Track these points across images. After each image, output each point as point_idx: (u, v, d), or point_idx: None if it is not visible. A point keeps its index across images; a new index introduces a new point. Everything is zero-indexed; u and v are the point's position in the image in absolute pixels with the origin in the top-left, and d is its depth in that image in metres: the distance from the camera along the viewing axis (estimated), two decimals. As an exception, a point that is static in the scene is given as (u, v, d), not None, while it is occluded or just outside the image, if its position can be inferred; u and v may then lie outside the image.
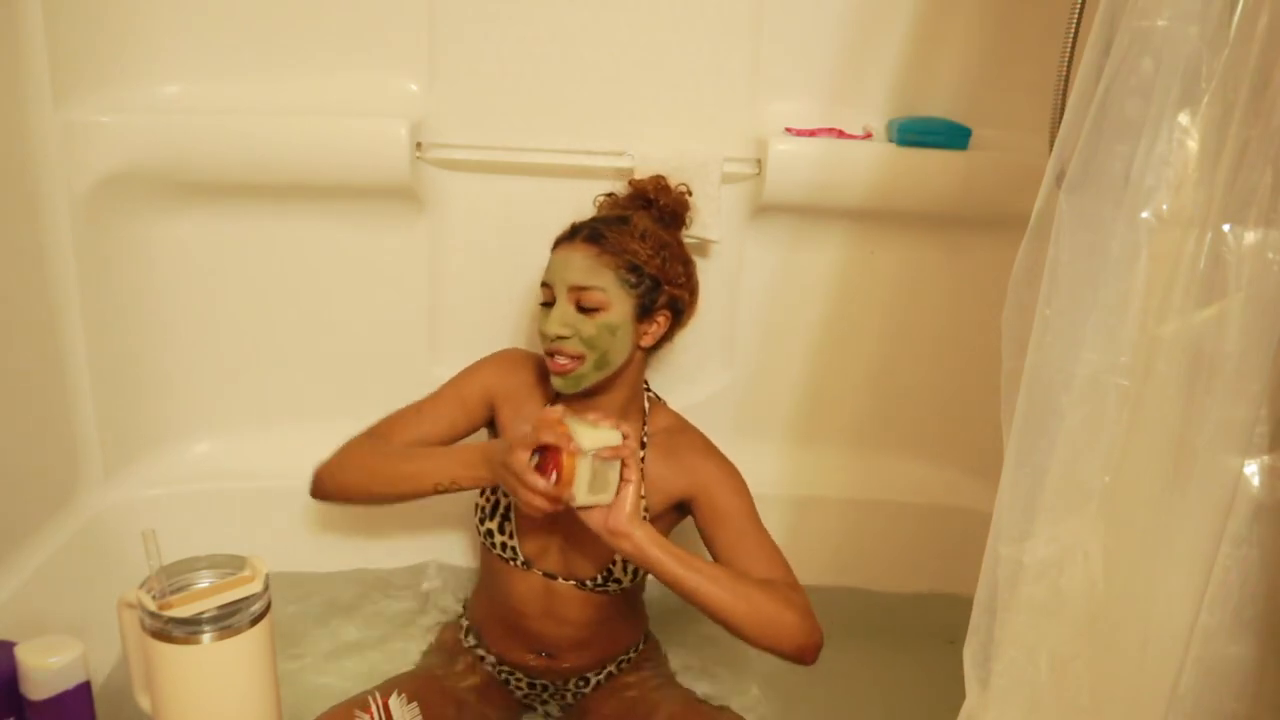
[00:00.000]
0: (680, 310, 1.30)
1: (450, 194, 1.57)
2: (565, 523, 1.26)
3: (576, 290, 1.20)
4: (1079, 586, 0.81)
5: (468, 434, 1.35)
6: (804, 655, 1.13)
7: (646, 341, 1.27)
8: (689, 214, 1.44)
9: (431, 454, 1.23)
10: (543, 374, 1.33)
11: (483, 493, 1.30)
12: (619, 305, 1.21)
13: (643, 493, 1.22)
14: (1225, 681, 0.75)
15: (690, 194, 1.45)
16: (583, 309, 1.20)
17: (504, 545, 1.27)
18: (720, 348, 1.66)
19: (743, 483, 1.25)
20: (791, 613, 1.11)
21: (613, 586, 1.27)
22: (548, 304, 1.24)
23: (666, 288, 1.26)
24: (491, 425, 1.37)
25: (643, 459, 1.25)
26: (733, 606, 1.08)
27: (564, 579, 1.28)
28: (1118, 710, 0.81)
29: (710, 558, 1.22)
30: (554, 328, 1.20)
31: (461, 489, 1.19)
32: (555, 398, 1.30)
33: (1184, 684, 0.75)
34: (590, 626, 1.30)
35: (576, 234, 1.25)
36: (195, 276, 1.58)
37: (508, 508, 1.27)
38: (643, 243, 1.24)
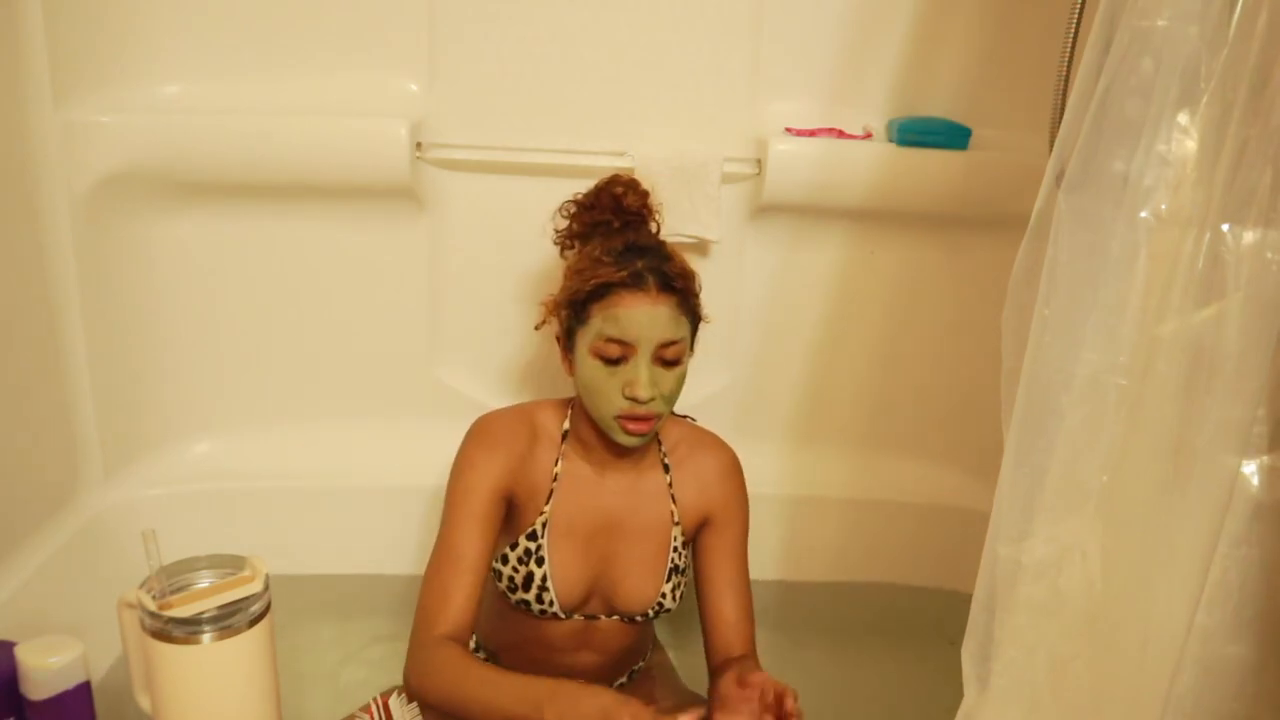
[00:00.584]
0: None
1: (450, 194, 1.57)
2: (607, 570, 1.22)
3: (664, 346, 1.09)
4: (1078, 586, 0.82)
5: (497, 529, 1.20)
6: None
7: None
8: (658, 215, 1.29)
9: (524, 692, 1.01)
10: (530, 428, 1.21)
11: (507, 561, 1.18)
12: (687, 351, 1.14)
13: (676, 517, 1.22)
14: (1224, 681, 0.75)
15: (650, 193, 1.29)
16: (664, 365, 1.11)
17: (542, 612, 1.19)
18: (720, 348, 1.66)
19: (748, 512, 1.26)
20: None
21: (662, 614, 1.25)
22: (614, 361, 1.09)
23: (699, 313, 1.17)
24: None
25: (669, 483, 1.24)
26: None
27: (606, 616, 1.23)
28: (1117, 710, 0.81)
29: (694, 564, 1.25)
30: (646, 391, 1.08)
31: None
32: (561, 443, 1.21)
33: (1183, 684, 0.76)
34: (623, 650, 1.28)
35: (644, 282, 1.09)
36: (195, 276, 1.58)
37: (544, 577, 1.17)
38: (689, 276, 1.14)
